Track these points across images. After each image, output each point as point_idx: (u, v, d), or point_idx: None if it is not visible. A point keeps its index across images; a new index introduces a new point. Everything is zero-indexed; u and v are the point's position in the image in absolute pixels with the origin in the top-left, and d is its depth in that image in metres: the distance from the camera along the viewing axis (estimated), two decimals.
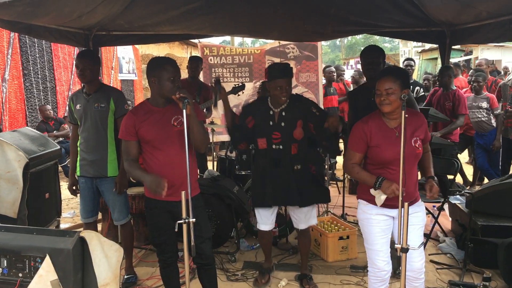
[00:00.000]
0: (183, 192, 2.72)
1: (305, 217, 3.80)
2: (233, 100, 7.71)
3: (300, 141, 3.61)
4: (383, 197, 2.87)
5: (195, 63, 5.93)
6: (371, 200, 2.96)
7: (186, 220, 2.73)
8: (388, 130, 2.92)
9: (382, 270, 3.00)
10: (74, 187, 3.98)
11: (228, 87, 5.58)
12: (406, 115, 2.60)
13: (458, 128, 6.12)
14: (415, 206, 2.99)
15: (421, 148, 2.92)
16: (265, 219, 3.83)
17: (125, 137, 3.11)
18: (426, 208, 3.90)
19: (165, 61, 3.05)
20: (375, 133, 2.93)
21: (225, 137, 7.09)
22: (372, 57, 3.94)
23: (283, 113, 3.60)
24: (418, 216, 2.99)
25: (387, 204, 2.90)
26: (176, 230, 2.79)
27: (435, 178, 2.98)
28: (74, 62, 3.83)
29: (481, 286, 3.77)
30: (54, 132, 8.42)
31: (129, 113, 3.19)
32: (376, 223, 2.99)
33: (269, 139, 3.62)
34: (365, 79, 8.42)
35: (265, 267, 4.11)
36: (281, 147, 3.61)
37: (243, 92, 5.56)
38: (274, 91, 3.56)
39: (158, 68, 3.02)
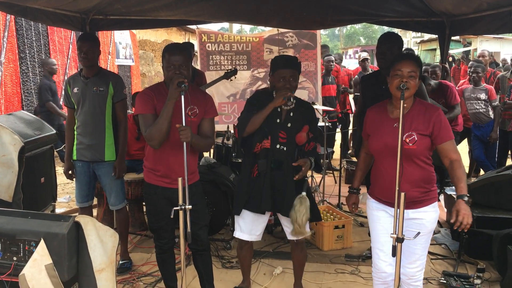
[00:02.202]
0: (180, 179, 2.71)
1: None
2: (230, 89, 7.73)
3: (301, 146, 3.26)
4: None
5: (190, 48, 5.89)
6: (372, 194, 2.90)
7: (182, 207, 2.73)
8: (387, 119, 2.75)
9: (383, 271, 2.82)
10: (70, 172, 3.96)
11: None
12: (405, 105, 2.51)
13: (461, 118, 6.13)
14: (419, 211, 2.72)
15: (414, 144, 2.63)
16: (248, 227, 3.34)
17: (143, 110, 2.99)
18: None
19: (167, 49, 3.03)
20: (372, 121, 2.84)
21: (222, 127, 7.07)
22: (383, 47, 3.82)
23: (291, 114, 3.25)
24: (419, 223, 2.71)
25: (387, 202, 2.78)
26: (172, 216, 2.78)
27: (466, 198, 2.57)
28: (76, 45, 3.77)
29: (475, 277, 3.79)
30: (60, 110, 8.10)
31: (145, 89, 3.16)
32: (377, 219, 2.84)
33: (275, 138, 3.21)
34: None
35: (240, 286, 3.73)
36: (285, 148, 3.22)
37: (235, 77, 5.52)
38: (277, 84, 3.21)
39: (162, 55, 3.02)
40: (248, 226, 3.34)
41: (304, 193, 3.23)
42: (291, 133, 3.21)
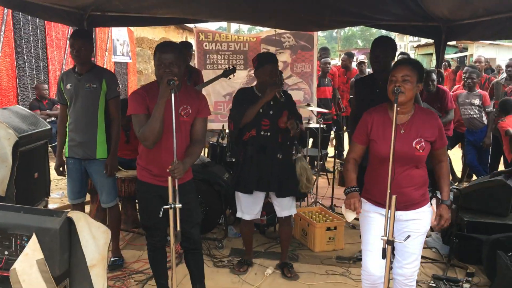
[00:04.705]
0: (169, 178, 2.72)
1: (287, 205, 3.87)
2: (226, 88, 7.76)
3: (284, 130, 3.70)
4: (349, 215, 2.79)
5: (184, 49, 5.89)
6: (369, 198, 2.89)
7: (172, 206, 2.73)
8: (391, 125, 2.70)
9: (372, 274, 2.84)
10: (61, 168, 3.95)
11: (221, 73, 5.57)
12: (398, 108, 2.53)
13: (452, 123, 6.17)
14: (418, 211, 2.80)
15: (423, 151, 2.72)
16: (246, 208, 3.87)
17: (136, 110, 2.96)
18: None
19: (158, 47, 3.00)
20: (376, 127, 2.81)
21: (218, 125, 7.07)
22: (377, 51, 3.86)
23: (271, 102, 3.70)
24: (417, 223, 2.80)
25: (382, 204, 2.77)
26: (160, 215, 2.77)
27: (449, 202, 2.79)
28: (68, 42, 3.76)
29: (464, 281, 3.82)
30: (47, 111, 8.37)
31: (138, 89, 3.13)
32: (371, 221, 2.86)
33: (259, 127, 3.70)
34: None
35: (245, 259, 4.18)
36: (269, 134, 3.71)
37: (234, 76, 5.53)
38: (264, 77, 3.69)
39: (154, 53, 3.00)
40: (246, 206, 3.86)
41: (299, 154, 3.93)
42: (274, 119, 3.69)
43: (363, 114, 2.94)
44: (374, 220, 2.86)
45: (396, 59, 3.80)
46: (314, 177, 5.87)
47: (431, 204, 5.29)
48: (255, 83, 3.92)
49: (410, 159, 2.73)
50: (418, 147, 2.71)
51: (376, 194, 2.85)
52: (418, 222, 2.81)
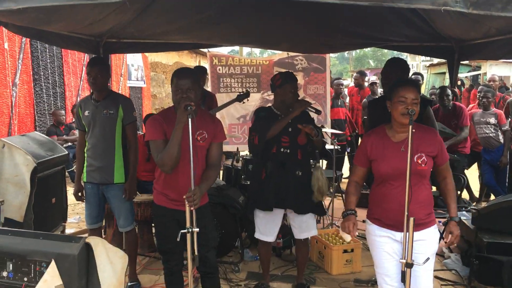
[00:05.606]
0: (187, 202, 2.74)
1: (306, 227, 3.84)
2: (240, 110, 7.81)
3: (303, 146, 3.76)
4: (346, 236, 2.88)
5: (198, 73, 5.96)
6: (376, 220, 2.85)
7: (190, 230, 2.73)
8: (390, 144, 2.78)
9: None
10: (79, 193, 4.00)
11: (235, 96, 5.62)
12: (413, 130, 2.53)
13: (469, 140, 6.12)
14: (423, 232, 2.72)
15: (425, 165, 2.70)
16: (265, 229, 3.84)
17: (153, 136, 3.02)
18: None
19: (175, 73, 3.07)
20: (375, 147, 2.82)
21: (232, 147, 7.10)
22: (388, 72, 3.89)
23: (289, 120, 3.71)
24: (424, 245, 2.71)
25: (390, 225, 2.76)
26: (178, 239, 2.78)
27: (458, 219, 2.75)
28: (85, 69, 3.85)
29: None
30: (64, 136, 8.49)
31: (155, 115, 3.20)
32: (381, 245, 2.82)
33: (279, 143, 3.72)
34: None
35: (262, 282, 4.13)
36: (288, 151, 3.72)
37: (248, 100, 5.57)
38: (287, 95, 3.72)
39: (171, 80, 3.06)
40: (264, 227, 3.84)
41: (318, 164, 3.95)
42: (293, 136, 3.72)
43: (363, 136, 2.95)
44: (381, 243, 2.83)
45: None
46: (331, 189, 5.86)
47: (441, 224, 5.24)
48: (269, 105, 3.96)
49: (414, 175, 2.66)
50: (419, 161, 2.69)
51: (382, 215, 2.82)
52: (424, 243, 2.73)
